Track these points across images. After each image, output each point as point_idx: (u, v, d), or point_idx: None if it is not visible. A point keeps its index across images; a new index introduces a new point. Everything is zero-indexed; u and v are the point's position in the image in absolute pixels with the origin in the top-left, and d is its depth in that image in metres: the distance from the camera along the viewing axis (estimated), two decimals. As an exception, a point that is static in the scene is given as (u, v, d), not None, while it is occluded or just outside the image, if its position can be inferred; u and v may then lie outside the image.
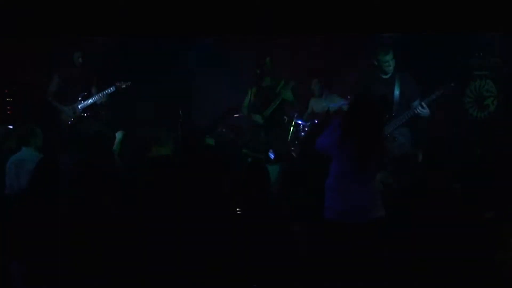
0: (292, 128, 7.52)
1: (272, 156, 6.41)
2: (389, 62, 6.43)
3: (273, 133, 6.92)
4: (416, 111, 6.26)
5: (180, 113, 8.02)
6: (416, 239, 4.26)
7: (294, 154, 6.98)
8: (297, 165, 5.08)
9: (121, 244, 4.22)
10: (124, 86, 7.37)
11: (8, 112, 8.16)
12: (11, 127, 7.22)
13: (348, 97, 7.60)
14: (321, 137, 4.44)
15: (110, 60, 8.11)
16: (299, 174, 4.87)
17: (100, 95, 7.37)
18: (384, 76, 6.46)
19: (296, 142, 7.42)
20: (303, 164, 5.06)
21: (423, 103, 6.23)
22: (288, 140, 7.45)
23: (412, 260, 4.24)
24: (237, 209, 4.40)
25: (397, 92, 6.37)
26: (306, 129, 7.43)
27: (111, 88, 7.36)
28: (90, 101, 7.37)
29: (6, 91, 8.23)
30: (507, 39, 7.24)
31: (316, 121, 7.46)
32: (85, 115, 7.42)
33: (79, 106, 7.38)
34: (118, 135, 6.27)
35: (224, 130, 8.10)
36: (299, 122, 7.55)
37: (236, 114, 7.88)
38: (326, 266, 4.17)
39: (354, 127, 4.22)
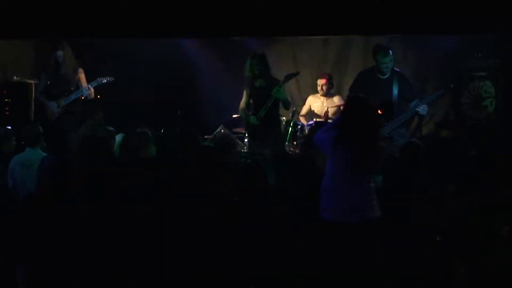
0: (290, 128, 7.51)
1: None
2: (387, 64, 6.45)
3: (269, 133, 6.89)
4: (416, 110, 6.30)
5: (178, 113, 8.07)
6: (413, 239, 4.27)
7: (291, 154, 6.96)
8: (295, 165, 5.07)
9: (122, 245, 4.23)
10: (105, 80, 7.49)
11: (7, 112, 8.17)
12: (9, 127, 7.23)
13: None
14: (319, 132, 4.48)
15: (98, 56, 8.15)
16: (296, 174, 4.87)
17: (83, 89, 7.46)
18: (381, 77, 6.48)
19: (295, 142, 7.41)
20: (301, 164, 5.06)
21: (422, 101, 6.27)
22: (287, 140, 7.44)
23: (409, 260, 4.25)
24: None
25: (395, 92, 6.38)
26: (305, 129, 7.42)
27: (92, 84, 7.48)
28: (73, 96, 7.45)
29: (4, 91, 8.24)
30: (506, 40, 7.24)
31: (315, 122, 7.46)
32: (70, 111, 7.52)
33: (63, 102, 7.46)
34: (118, 137, 6.27)
35: (222, 131, 8.09)
36: (298, 122, 7.55)
37: (235, 115, 7.86)
38: (323, 266, 4.18)
39: (350, 128, 4.23)
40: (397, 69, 6.59)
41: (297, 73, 7.10)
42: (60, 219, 4.17)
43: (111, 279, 4.18)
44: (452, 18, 6.00)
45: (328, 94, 7.83)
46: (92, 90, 7.57)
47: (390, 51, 6.48)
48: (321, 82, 7.84)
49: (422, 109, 6.35)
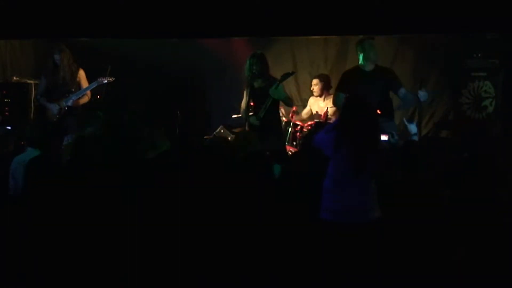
0: (290, 128, 7.52)
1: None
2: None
3: (269, 133, 6.89)
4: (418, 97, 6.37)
5: (178, 113, 8.07)
6: (412, 239, 4.27)
7: (291, 154, 6.97)
8: (294, 165, 5.06)
9: (122, 245, 4.22)
10: (105, 81, 7.53)
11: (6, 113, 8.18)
12: (9, 128, 7.24)
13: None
14: (318, 134, 4.48)
15: (99, 57, 8.16)
16: (296, 174, 4.87)
17: (82, 90, 7.49)
18: (365, 70, 6.51)
19: (295, 143, 7.43)
20: (301, 164, 5.05)
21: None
22: (287, 140, 7.45)
23: (409, 260, 4.25)
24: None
25: (380, 84, 6.45)
26: (304, 129, 7.43)
27: (93, 84, 7.52)
28: (73, 97, 7.47)
29: (4, 92, 8.24)
30: (506, 40, 7.25)
31: (315, 122, 7.46)
32: (70, 112, 7.55)
33: (64, 103, 7.47)
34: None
35: (222, 131, 8.10)
36: (297, 123, 7.56)
37: (235, 115, 7.87)
38: (323, 266, 4.18)
39: (349, 128, 4.23)
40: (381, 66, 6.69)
41: (292, 73, 7.10)
42: (50, 219, 4.18)
43: (111, 278, 4.18)
44: (452, 18, 6.00)
45: (323, 95, 7.87)
46: (89, 93, 7.64)
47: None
48: (313, 82, 7.94)
49: (423, 95, 6.41)
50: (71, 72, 7.53)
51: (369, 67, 6.58)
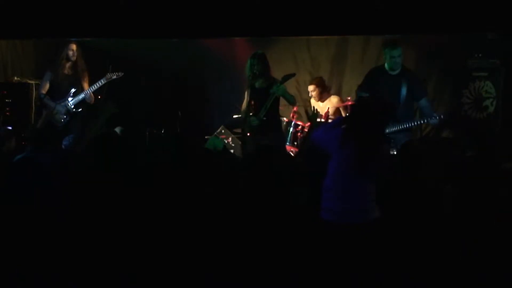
0: (291, 129, 7.53)
1: None
2: (396, 58, 6.43)
3: (270, 134, 6.90)
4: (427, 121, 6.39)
5: (179, 114, 8.08)
6: (412, 239, 4.27)
7: (292, 154, 6.98)
8: (295, 164, 5.06)
9: (121, 244, 4.23)
10: (114, 77, 7.54)
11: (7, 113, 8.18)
12: (10, 128, 7.24)
13: (348, 98, 7.65)
14: (318, 131, 4.47)
15: (104, 55, 8.17)
16: (297, 173, 4.87)
17: (90, 89, 7.45)
18: (391, 73, 6.48)
19: (296, 143, 7.44)
20: (301, 163, 5.05)
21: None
22: (287, 141, 7.46)
23: (409, 260, 4.25)
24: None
25: (403, 90, 6.39)
26: (305, 129, 7.44)
27: (101, 81, 7.46)
28: (81, 96, 7.46)
29: (5, 92, 8.25)
30: (506, 40, 7.25)
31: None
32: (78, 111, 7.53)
33: (70, 102, 7.46)
34: (116, 130, 6.30)
35: (223, 131, 8.11)
36: (298, 123, 7.57)
37: (235, 115, 7.88)
38: (323, 266, 4.18)
39: (356, 129, 4.22)
40: (408, 68, 6.64)
41: (293, 74, 7.12)
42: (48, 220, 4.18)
43: (107, 280, 4.18)
44: (452, 18, 6.00)
45: (322, 98, 7.91)
46: (92, 94, 7.63)
47: (400, 47, 6.49)
48: (309, 88, 8.03)
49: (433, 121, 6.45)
50: (81, 69, 7.54)
51: (395, 71, 6.53)
